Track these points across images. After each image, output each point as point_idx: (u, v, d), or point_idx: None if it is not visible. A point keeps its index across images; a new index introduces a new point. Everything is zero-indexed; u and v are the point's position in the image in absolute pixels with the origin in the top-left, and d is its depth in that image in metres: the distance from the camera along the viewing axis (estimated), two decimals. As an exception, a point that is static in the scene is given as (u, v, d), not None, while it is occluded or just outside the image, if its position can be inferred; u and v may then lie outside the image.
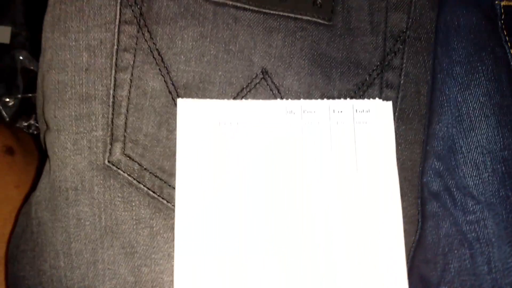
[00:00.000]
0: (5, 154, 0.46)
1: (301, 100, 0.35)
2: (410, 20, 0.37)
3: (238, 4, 0.35)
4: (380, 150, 0.36)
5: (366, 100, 0.36)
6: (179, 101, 0.34)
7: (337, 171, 0.35)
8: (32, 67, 0.60)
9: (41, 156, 0.48)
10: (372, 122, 0.36)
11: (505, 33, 0.36)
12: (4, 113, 0.58)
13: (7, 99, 0.58)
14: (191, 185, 0.34)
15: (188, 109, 0.34)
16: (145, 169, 0.34)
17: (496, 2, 0.37)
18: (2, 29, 0.58)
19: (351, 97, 0.36)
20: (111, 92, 0.34)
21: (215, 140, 0.34)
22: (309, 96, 0.36)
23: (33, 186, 0.44)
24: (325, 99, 0.36)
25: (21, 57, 0.58)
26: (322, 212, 0.35)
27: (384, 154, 0.36)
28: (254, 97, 0.35)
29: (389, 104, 0.36)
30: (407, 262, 0.35)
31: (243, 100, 0.35)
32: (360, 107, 0.36)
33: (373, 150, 0.36)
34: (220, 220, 0.34)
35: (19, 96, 0.57)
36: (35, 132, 0.58)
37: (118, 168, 0.33)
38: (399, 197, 0.35)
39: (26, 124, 0.59)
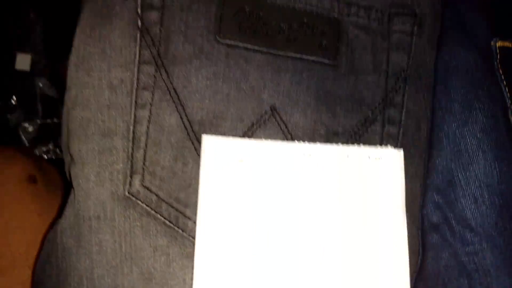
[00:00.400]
0: (28, 183, 0.49)
1: (317, 144, 0.37)
2: (411, 60, 0.40)
3: (249, 46, 0.38)
4: (389, 198, 0.37)
5: (378, 147, 0.38)
6: (204, 137, 0.37)
7: (345, 216, 0.37)
8: (50, 94, 0.62)
9: (63, 185, 0.51)
10: (383, 169, 0.37)
11: (501, 72, 0.39)
12: (24, 138, 0.61)
13: (27, 125, 0.61)
14: (212, 219, 0.36)
15: (212, 146, 0.36)
16: (162, 200, 0.36)
17: (492, 43, 0.39)
18: (23, 57, 0.60)
19: (355, 133, 0.39)
20: (131, 127, 0.37)
21: (236, 177, 0.36)
22: (315, 131, 0.38)
23: (56, 214, 0.46)
24: (339, 144, 0.38)
25: (40, 84, 0.61)
26: (333, 251, 0.36)
27: (393, 202, 0.37)
28: (264, 131, 0.38)
29: (400, 153, 0.38)
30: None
31: (263, 140, 0.37)
32: (373, 154, 0.38)
33: (382, 198, 0.37)
34: (238, 254, 0.36)
35: (38, 122, 0.60)
36: (53, 157, 0.61)
37: (137, 199, 0.36)
38: (407, 247, 0.36)
39: (45, 149, 0.62)
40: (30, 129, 0.61)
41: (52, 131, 0.60)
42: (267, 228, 0.36)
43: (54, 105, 0.61)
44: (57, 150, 0.62)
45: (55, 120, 0.60)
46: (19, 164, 0.49)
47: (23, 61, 0.60)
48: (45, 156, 0.60)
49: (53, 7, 0.57)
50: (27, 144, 0.61)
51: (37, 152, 0.60)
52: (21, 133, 0.60)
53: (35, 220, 0.46)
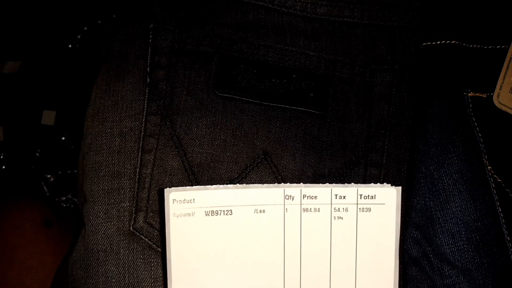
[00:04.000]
0: (43, 226, 0.55)
1: (301, 184, 0.39)
2: (391, 109, 0.45)
3: (244, 99, 0.44)
4: (382, 238, 0.37)
5: (372, 185, 0.39)
6: (167, 191, 0.37)
7: (335, 257, 0.38)
8: (71, 147, 0.69)
9: (76, 228, 0.56)
10: (376, 209, 0.38)
11: (474, 120, 0.44)
12: (45, 187, 0.67)
13: (48, 176, 0.67)
14: (185, 276, 0.37)
15: (178, 199, 0.37)
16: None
17: (464, 93, 0.44)
18: (48, 113, 0.67)
19: (340, 174, 0.43)
20: (137, 170, 0.42)
21: (208, 229, 0.37)
22: (303, 173, 0.43)
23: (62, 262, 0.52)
24: (327, 184, 0.39)
25: (63, 138, 0.67)
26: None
27: (386, 243, 0.38)
28: (256, 173, 0.43)
29: (398, 190, 0.38)
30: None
31: (238, 185, 0.39)
32: (365, 193, 0.38)
33: (374, 238, 0.37)
34: None
35: (59, 172, 0.66)
36: (72, 206, 0.67)
37: (141, 234, 0.41)
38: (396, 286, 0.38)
39: (64, 198, 0.68)
40: (51, 179, 0.67)
41: (71, 182, 0.66)
42: (247, 276, 0.38)
43: (73, 157, 0.67)
44: (76, 200, 0.68)
45: (75, 171, 0.66)
46: (37, 209, 0.55)
47: (48, 117, 0.66)
48: (64, 205, 0.66)
49: (77, 69, 0.65)
50: (47, 194, 0.67)
51: (56, 200, 0.65)
52: (42, 183, 0.66)
53: (48, 260, 0.51)
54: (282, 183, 0.40)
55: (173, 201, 0.37)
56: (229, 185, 0.38)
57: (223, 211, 0.37)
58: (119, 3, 0.61)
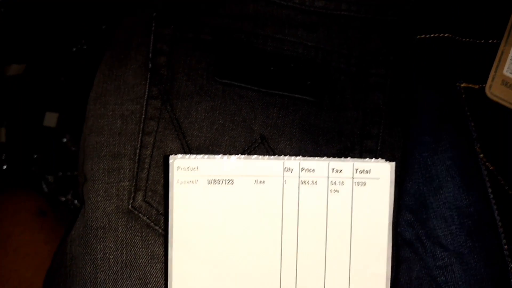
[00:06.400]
0: (39, 216, 0.56)
1: (300, 157, 0.41)
2: (386, 98, 0.47)
3: (242, 85, 0.46)
4: (376, 212, 0.39)
5: (368, 160, 0.41)
6: (172, 158, 0.39)
7: (331, 230, 0.39)
8: (72, 149, 0.70)
9: (70, 219, 0.57)
10: (371, 183, 0.39)
11: (466, 109, 0.46)
12: (45, 188, 0.69)
13: (48, 177, 0.69)
14: (186, 243, 0.39)
15: (182, 166, 0.39)
16: (160, 214, 0.43)
17: (457, 84, 0.47)
18: (51, 115, 0.69)
19: (335, 160, 0.45)
20: (138, 151, 0.44)
21: (210, 197, 0.39)
22: (299, 158, 0.45)
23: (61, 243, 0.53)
24: (325, 158, 0.41)
25: (64, 140, 0.69)
26: (313, 269, 0.40)
27: (380, 217, 0.39)
28: (254, 158, 0.45)
29: (391, 165, 0.40)
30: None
31: (240, 156, 0.41)
32: (361, 167, 0.40)
33: (369, 212, 0.39)
34: (215, 271, 0.39)
35: (60, 174, 0.68)
36: (71, 207, 0.68)
37: (139, 212, 0.43)
38: (389, 261, 0.39)
39: (64, 199, 0.69)
40: (51, 180, 0.68)
41: (72, 183, 0.68)
42: (245, 248, 0.39)
43: (75, 159, 0.69)
44: (76, 202, 0.69)
45: (75, 173, 0.67)
46: (32, 200, 0.57)
47: (50, 119, 0.68)
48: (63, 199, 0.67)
49: (80, 73, 0.67)
50: (47, 194, 0.69)
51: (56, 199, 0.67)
52: (43, 183, 0.68)
53: (42, 248, 0.53)
54: (282, 156, 0.42)
55: (178, 168, 0.39)
56: (231, 156, 0.40)
57: (225, 180, 0.39)
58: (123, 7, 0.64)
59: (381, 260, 0.40)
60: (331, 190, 0.40)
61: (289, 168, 0.40)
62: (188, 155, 0.39)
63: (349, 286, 0.40)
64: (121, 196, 0.43)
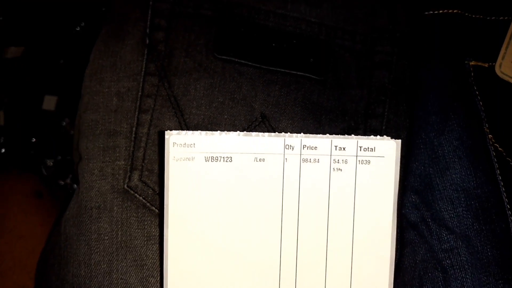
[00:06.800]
0: (34, 197, 0.55)
1: (302, 134, 0.39)
2: (392, 76, 0.46)
3: (243, 61, 0.45)
4: (380, 191, 0.38)
5: (372, 137, 0.39)
6: (167, 133, 0.37)
7: (333, 210, 0.38)
8: (71, 132, 0.69)
9: (66, 201, 0.57)
10: (376, 161, 0.38)
11: (475, 88, 0.44)
12: (44, 172, 0.68)
13: (47, 160, 0.68)
14: (182, 222, 0.37)
15: (178, 142, 0.37)
16: (157, 194, 0.42)
17: (466, 61, 0.45)
18: (50, 98, 0.68)
19: (339, 139, 0.44)
20: (134, 129, 0.43)
21: (207, 175, 0.37)
22: (301, 137, 0.44)
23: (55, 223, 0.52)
24: (327, 135, 0.39)
25: (63, 123, 0.68)
26: (315, 248, 0.39)
27: (384, 196, 0.38)
28: (254, 137, 0.43)
29: (397, 143, 0.38)
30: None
31: (239, 133, 0.39)
32: (365, 145, 0.38)
33: (373, 191, 0.38)
34: (211, 253, 0.38)
35: (59, 157, 0.67)
36: (70, 191, 0.67)
37: (135, 192, 0.42)
38: (394, 242, 0.38)
39: (63, 183, 0.68)
40: (50, 164, 0.67)
41: (71, 167, 0.67)
42: (244, 225, 0.38)
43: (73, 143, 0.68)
44: (74, 186, 0.68)
45: (74, 157, 0.66)
46: (29, 181, 0.56)
47: (49, 102, 0.67)
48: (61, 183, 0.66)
49: (79, 56, 0.66)
50: (46, 177, 0.68)
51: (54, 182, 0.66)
52: (42, 167, 0.67)
53: (37, 230, 0.52)
54: (283, 133, 0.40)
55: (173, 144, 0.37)
56: (230, 132, 0.38)
57: (223, 157, 0.38)
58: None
59: (385, 242, 0.38)
60: (333, 168, 0.38)
61: (290, 146, 0.38)
62: (184, 131, 0.38)
63: (351, 268, 0.39)
64: (117, 176, 0.42)
